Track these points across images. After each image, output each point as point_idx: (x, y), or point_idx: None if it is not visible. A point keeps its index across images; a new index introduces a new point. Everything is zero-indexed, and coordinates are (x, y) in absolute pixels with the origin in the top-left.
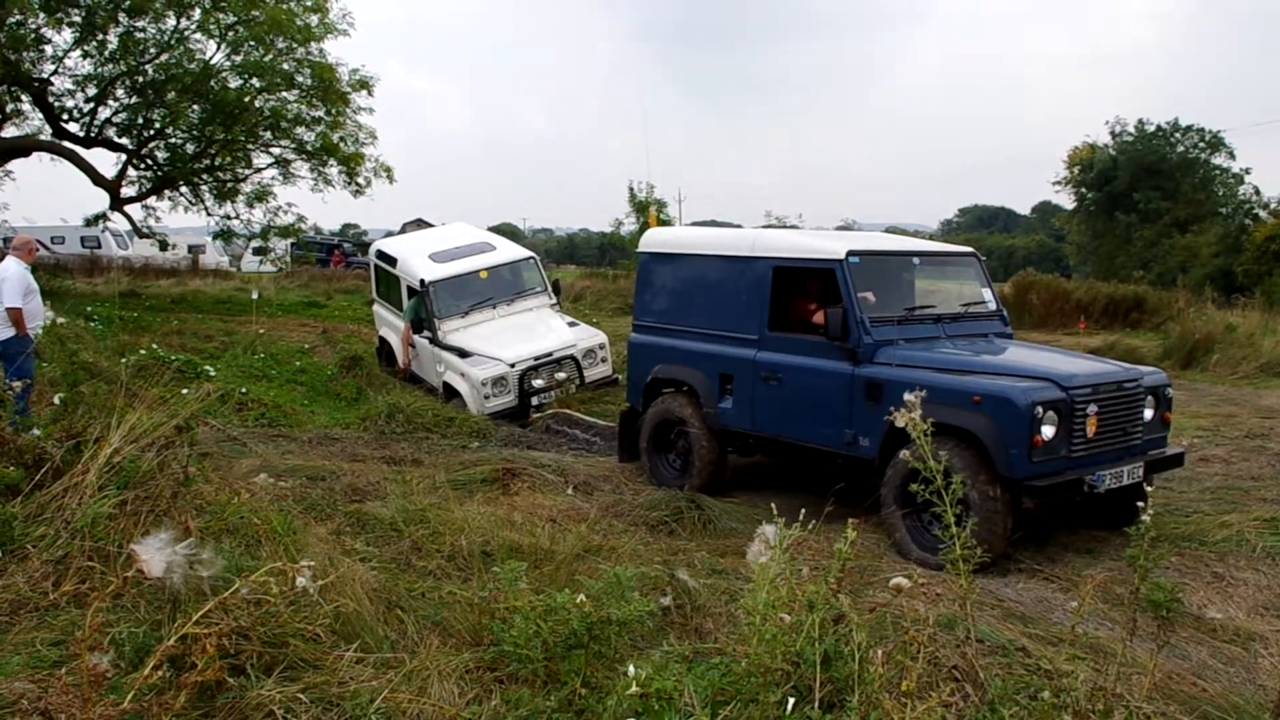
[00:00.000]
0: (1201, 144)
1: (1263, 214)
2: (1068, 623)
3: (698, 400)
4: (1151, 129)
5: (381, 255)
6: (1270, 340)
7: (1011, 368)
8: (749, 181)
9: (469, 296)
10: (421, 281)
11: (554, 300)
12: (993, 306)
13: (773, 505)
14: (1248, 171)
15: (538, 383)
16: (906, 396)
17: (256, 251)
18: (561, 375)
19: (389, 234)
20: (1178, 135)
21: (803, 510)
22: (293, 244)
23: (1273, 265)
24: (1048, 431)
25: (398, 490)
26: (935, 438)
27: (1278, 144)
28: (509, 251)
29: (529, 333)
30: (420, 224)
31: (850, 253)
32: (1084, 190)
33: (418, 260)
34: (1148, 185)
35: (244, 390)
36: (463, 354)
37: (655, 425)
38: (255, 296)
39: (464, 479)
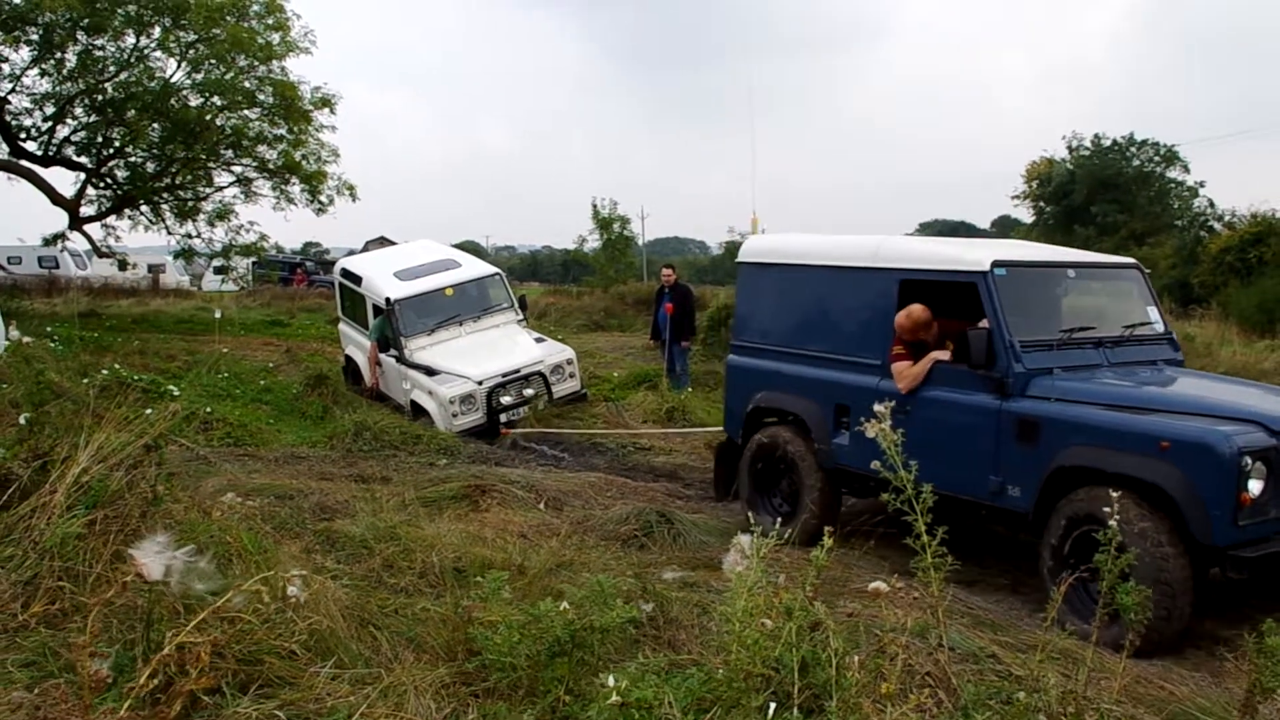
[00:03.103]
0: (1156, 158)
1: (1217, 226)
2: (1036, 631)
3: (808, 433)
4: (1108, 143)
5: (346, 274)
6: (1227, 350)
7: (1204, 405)
8: (711, 197)
9: (435, 314)
10: (387, 300)
11: (520, 316)
12: (1160, 328)
13: (749, 515)
14: (1202, 184)
15: (506, 400)
16: (876, 407)
17: (218, 271)
18: (530, 392)
19: (351, 252)
20: (1133, 150)
21: (777, 520)
22: (254, 263)
23: (1228, 276)
24: (1255, 487)
25: (367, 508)
26: (1105, 489)
27: (1230, 158)
28: (474, 268)
29: (496, 350)
30: (383, 242)
31: (996, 263)
32: (1042, 204)
33: (383, 278)
34: (1105, 199)
35: (209, 410)
36: (430, 372)
37: (756, 461)
38: (218, 316)
39: (433, 496)
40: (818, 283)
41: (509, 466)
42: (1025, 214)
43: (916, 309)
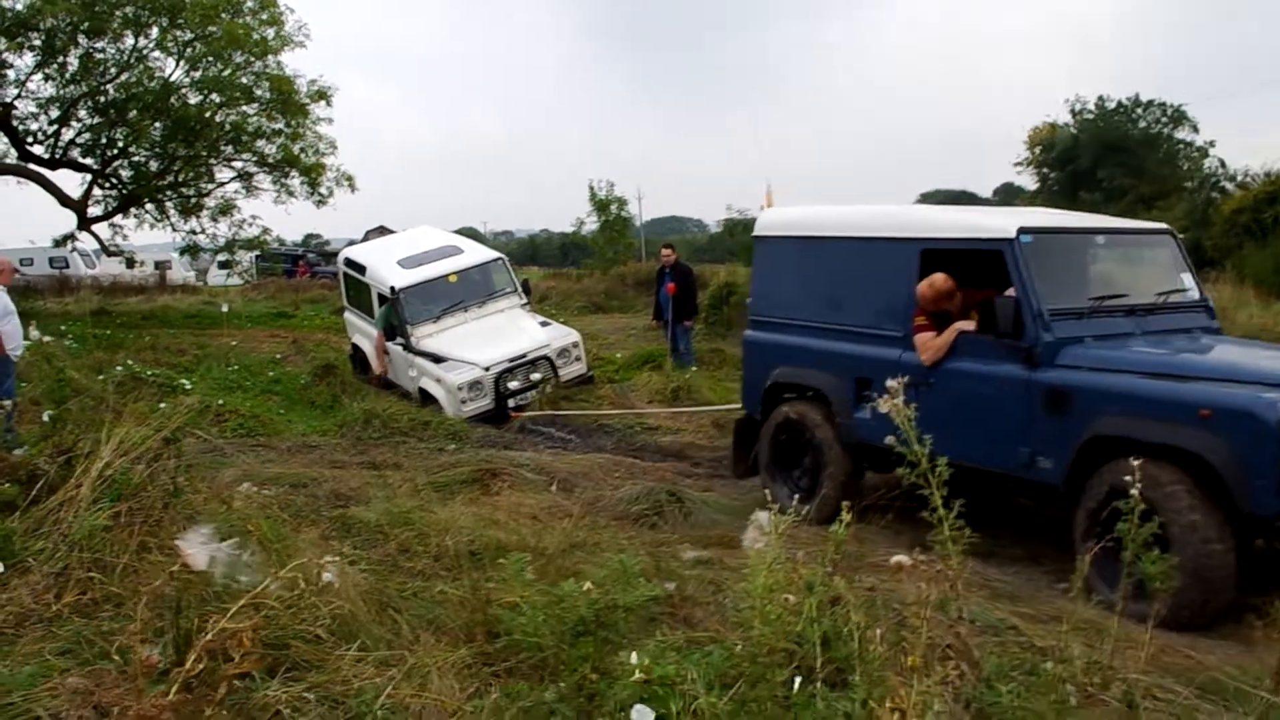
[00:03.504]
0: (1164, 119)
1: (1229, 186)
2: (1056, 603)
3: (829, 408)
4: (1112, 106)
5: (350, 263)
6: (1244, 313)
7: (1244, 372)
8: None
9: (440, 301)
10: (392, 288)
11: (525, 301)
12: (1195, 295)
13: (767, 493)
14: (1212, 144)
15: (513, 384)
16: (889, 382)
17: (222, 265)
18: (537, 376)
19: (352, 243)
20: (1139, 111)
21: (795, 497)
22: (257, 256)
23: (1242, 238)
24: None
25: (380, 494)
26: (1143, 461)
27: (1238, 116)
28: (477, 254)
29: (502, 335)
30: (383, 231)
31: (1022, 230)
32: (1046, 170)
33: (386, 267)
34: (1111, 163)
35: (221, 402)
36: (437, 359)
37: (776, 437)
38: (224, 310)
39: (445, 481)
40: (836, 254)
41: (518, 450)
42: (1029, 181)
43: (939, 278)
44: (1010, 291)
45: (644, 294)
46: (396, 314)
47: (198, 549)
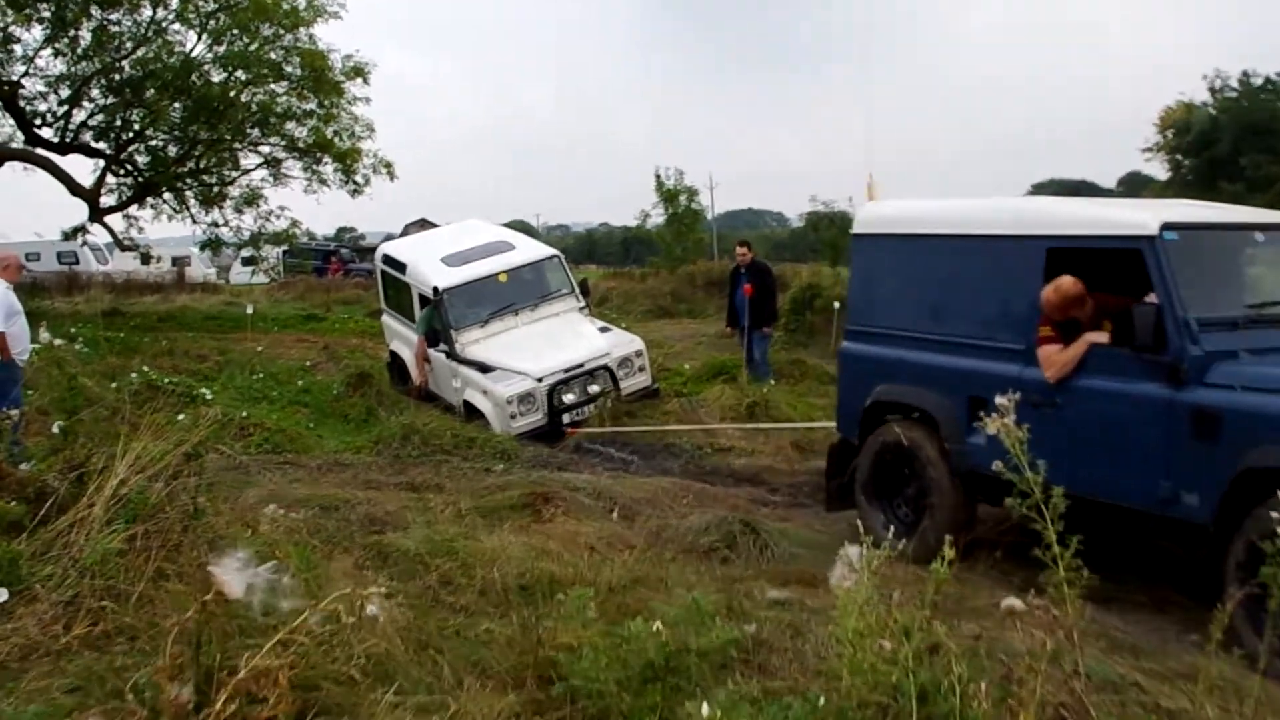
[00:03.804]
0: None
1: None
2: (1187, 657)
3: (937, 431)
4: (1258, 82)
5: (389, 260)
6: None
7: None
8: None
9: (488, 303)
10: (435, 289)
11: (583, 303)
12: None
13: (860, 525)
14: None
15: (569, 398)
16: (999, 399)
17: (246, 262)
18: (595, 388)
19: (389, 237)
20: None
21: (890, 528)
22: (285, 252)
23: None
24: None
25: (420, 519)
26: None
27: None
28: (530, 250)
29: (557, 342)
30: (424, 224)
31: (1166, 225)
32: (1179, 157)
33: (429, 265)
34: (1256, 148)
35: (245, 414)
36: (484, 369)
37: (876, 463)
38: (249, 311)
39: (491, 505)
40: (948, 255)
41: (573, 471)
42: (1159, 169)
43: (1067, 282)
44: (1151, 297)
45: (716, 296)
46: (440, 317)
47: (233, 575)
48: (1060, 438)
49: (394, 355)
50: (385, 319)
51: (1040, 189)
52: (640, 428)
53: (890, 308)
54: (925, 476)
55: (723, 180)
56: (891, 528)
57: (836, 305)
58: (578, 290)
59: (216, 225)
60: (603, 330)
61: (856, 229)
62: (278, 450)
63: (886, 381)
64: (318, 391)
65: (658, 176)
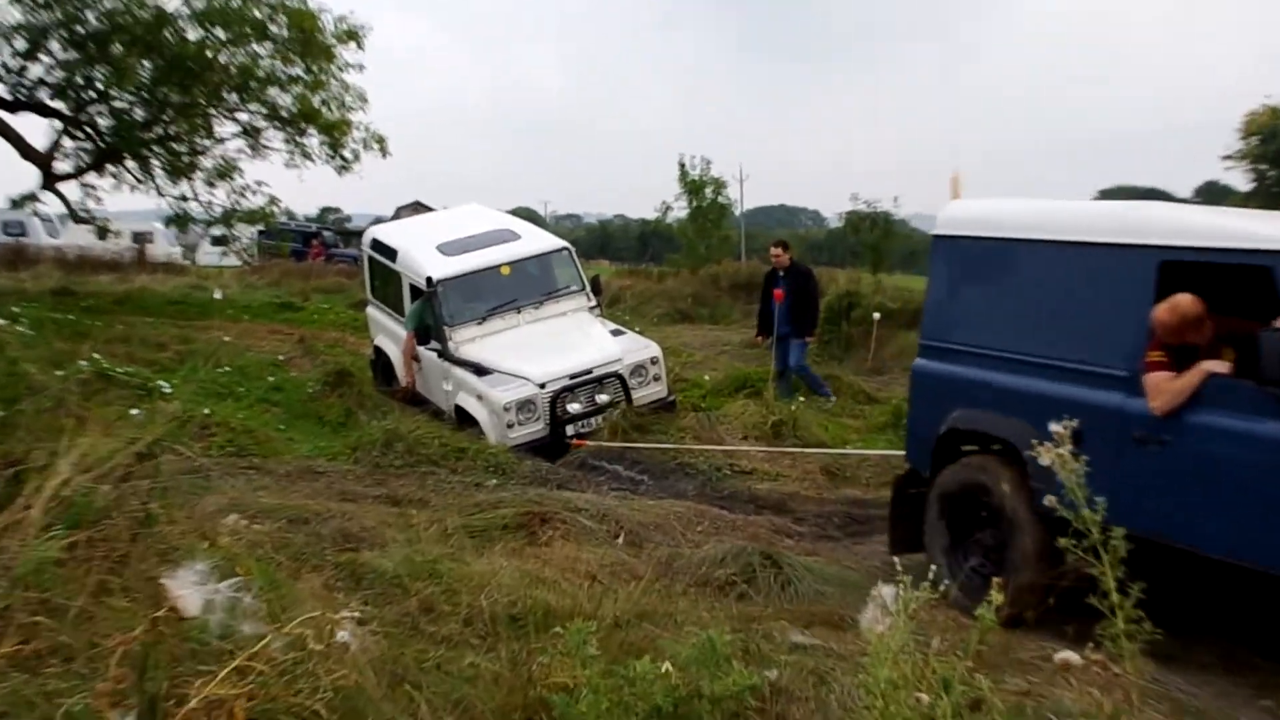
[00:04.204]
0: None
1: None
2: None
3: (1022, 467)
4: None
5: (377, 245)
6: None
7: None
8: (827, 155)
9: (487, 298)
10: (428, 279)
11: (594, 302)
12: None
13: (895, 561)
14: None
15: (574, 407)
16: (1053, 426)
17: (216, 241)
18: (604, 398)
19: (378, 220)
20: None
21: (931, 567)
22: (261, 232)
23: None
24: None
25: (400, 537)
26: None
27: None
28: (537, 241)
29: (563, 344)
30: (418, 208)
31: None
32: (1264, 167)
33: (423, 252)
34: None
35: (207, 411)
36: (480, 371)
37: (950, 502)
38: (217, 297)
39: (482, 525)
40: (1043, 263)
41: (575, 490)
42: (1240, 180)
43: (1185, 301)
44: None
45: (742, 301)
46: (433, 311)
47: (190, 590)
48: (1164, 480)
49: (379, 352)
50: (371, 311)
51: (1107, 195)
52: (652, 445)
53: (972, 321)
54: (1006, 519)
55: (754, 173)
56: (963, 578)
57: (876, 316)
58: (589, 288)
59: (185, 199)
60: (615, 334)
61: (939, 229)
62: (243, 453)
63: (965, 406)
64: (290, 389)
65: (682, 165)
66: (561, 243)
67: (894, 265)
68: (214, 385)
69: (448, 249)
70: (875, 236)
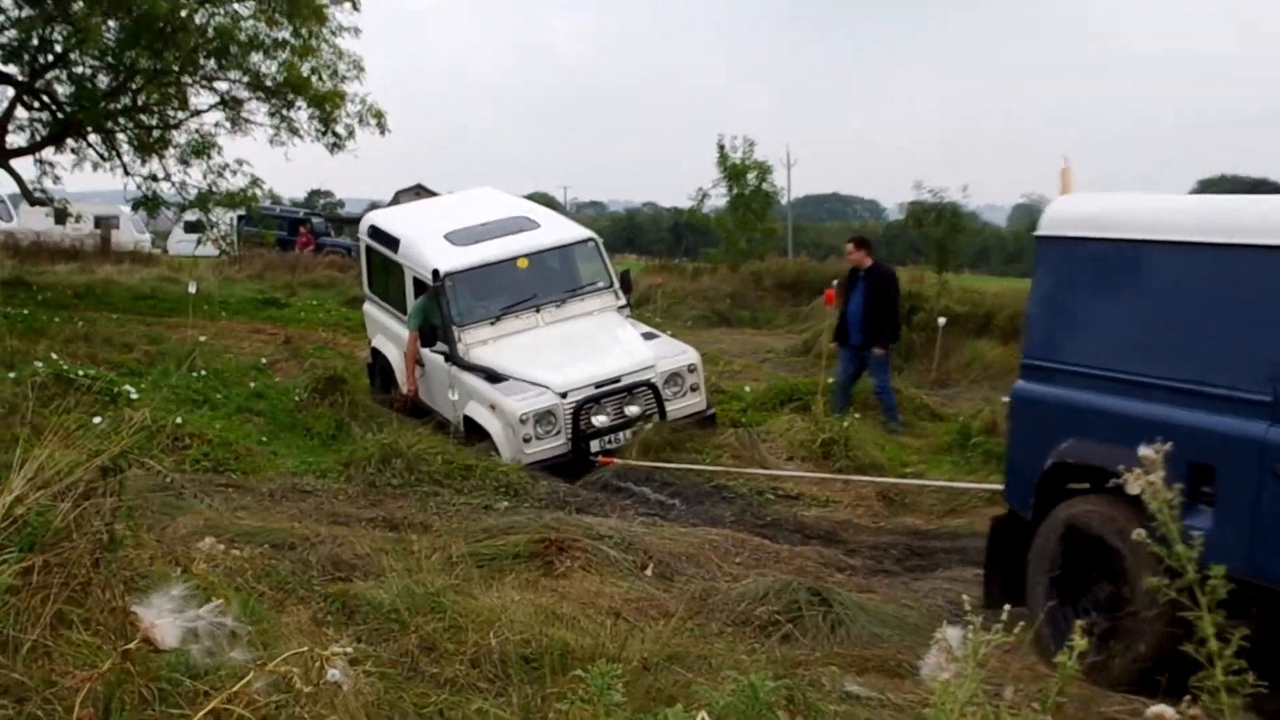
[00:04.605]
0: None
1: None
2: None
3: (1144, 509)
4: None
5: (377, 233)
6: None
7: None
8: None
9: (502, 295)
10: (435, 273)
11: (623, 301)
12: None
13: (964, 597)
14: None
15: (600, 420)
16: (1142, 450)
17: (190, 227)
18: (634, 410)
19: (374, 206)
20: None
21: (1006, 608)
22: (241, 218)
23: None
24: None
25: (398, 566)
26: None
27: None
28: (559, 230)
29: (588, 348)
30: (420, 192)
31: None
32: None
33: (429, 241)
34: None
35: (180, 421)
36: (493, 377)
37: (1058, 550)
38: (192, 291)
39: (490, 553)
40: (1172, 269)
41: (597, 514)
42: None
43: None
44: None
45: (787, 302)
46: (440, 309)
47: (167, 619)
48: None
49: (376, 354)
50: (368, 308)
51: (1209, 185)
52: (688, 465)
53: (1085, 337)
54: (1126, 570)
55: (803, 156)
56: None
57: (941, 321)
58: (618, 285)
59: (155, 179)
60: (647, 337)
61: (1045, 229)
62: (220, 469)
63: (1075, 437)
64: (274, 397)
65: (721, 147)
66: (587, 233)
67: (961, 264)
68: (187, 391)
69: (457, 238)
70: (941, 231)
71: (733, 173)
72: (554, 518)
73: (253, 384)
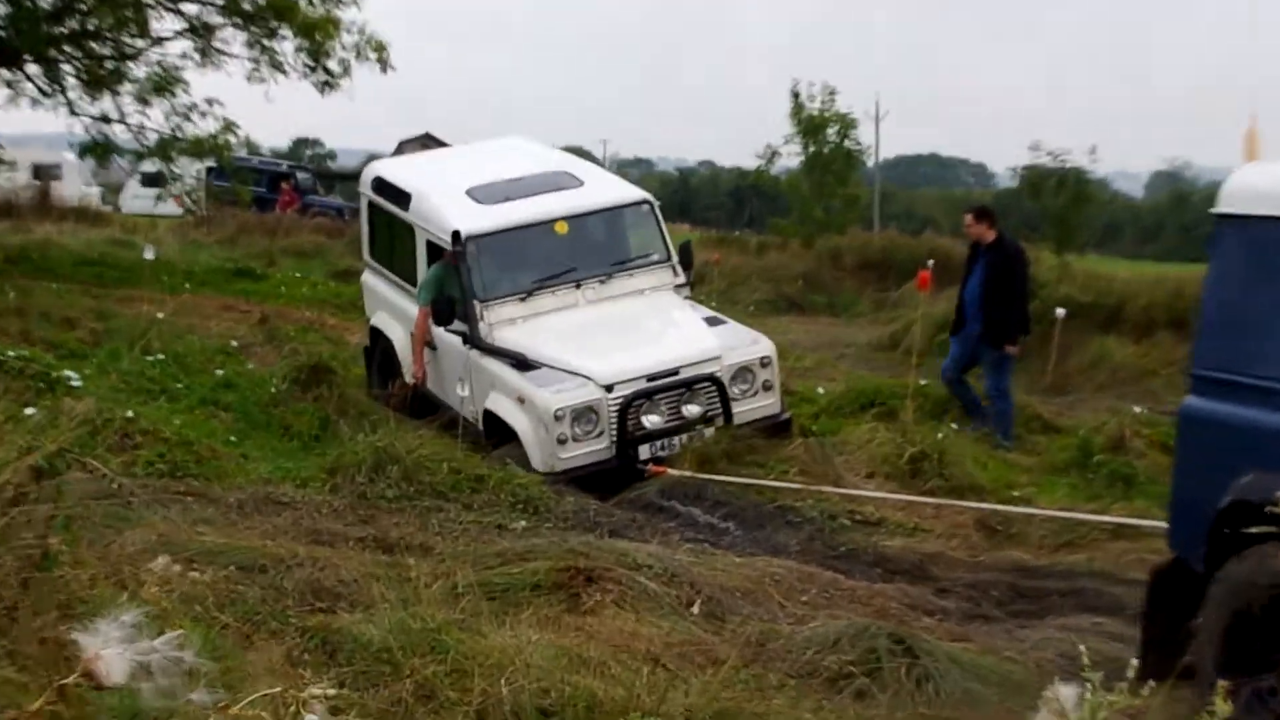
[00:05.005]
0: None
1: None
2: None
3: None
4: None
5: (383, 188)
6: None
7: None
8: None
9: (535, 265)
10: (455, 235)
11: (682, 279)
12: None
13: (1080, 647)
14: None
15: (652, 420)
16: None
17: (149, 180)
18: (694, 409)
19: (372, 159)
20: None
21: (1133, 662)
22: (211, 170)
23: None
24: None
25: (392, 595)
26: None
27: None
28: (606, 190)
29: (639, 334)
30: (429, 143)
31: None
32: None
33: (449, 198)
34: None
35: (131, 414)
36: (522, 364)
37: (1239, 613)
38: (149, 257)
39: (504, 582)
40: None
41: (634, 538)
42: None
43: None
44: None
45: (871, 286)
46: (459, 279)
47: (114, 650)
48: None
49: (376, 336)
50: (368, 279)
51: None
52: (753, 480)
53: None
54: None
55: (894, 109)
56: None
57: (1060, 313)
58: (676, 259)
59: (107, 120)
60: (711, 323)
61: (1225, 205)
62: (179, 473)
63: (1262, 468)
64: (246, 388)
65: (795, 95)
66: (641, 194)
67: (1086, 242)
68: (141, 379)
69: (482, 195)
70: (1063, 202)
71: (809, 127)
72: (582, 541)
73: (220, 371)
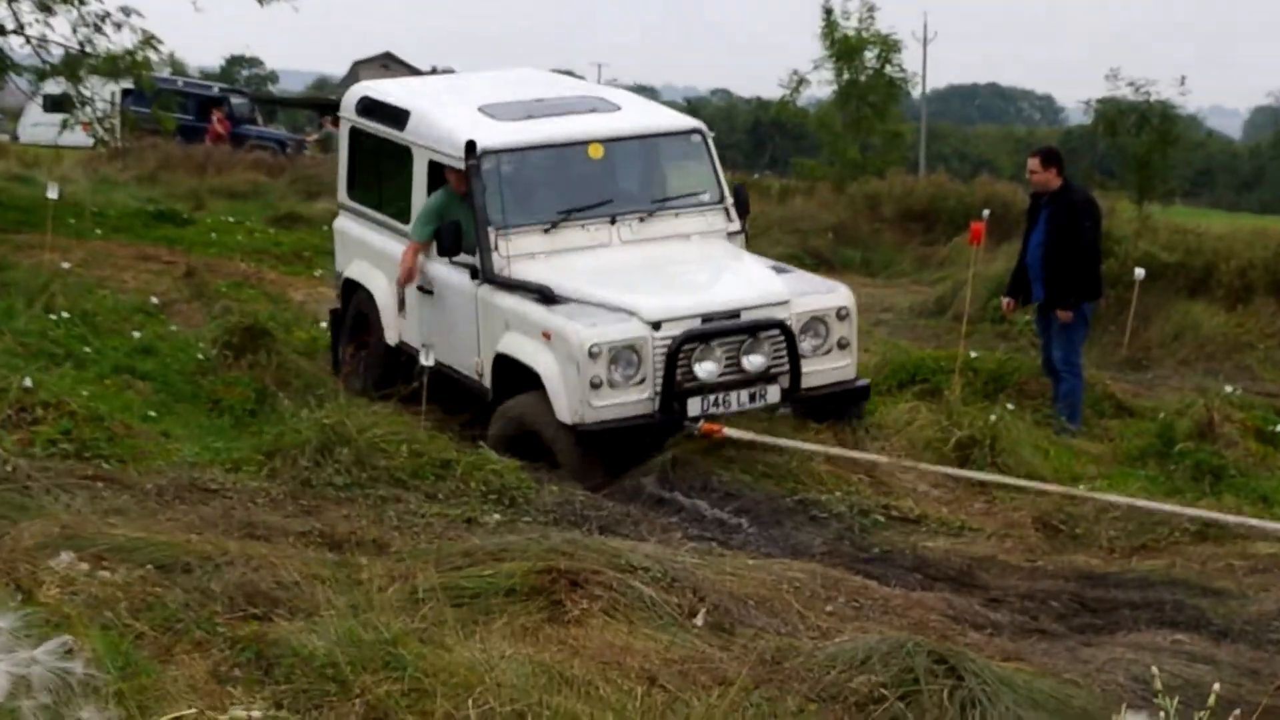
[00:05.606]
0: None
1: None
2: None
3: None
4: None
5: (371, 109)
6: None
7: None
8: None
9: (563, 192)
10: (470, 146)
11: (736, 225)
12: None
13: (1153, 669)
14: None
15: (705, 369)
16: None
17: (52, 105)
18: (756, 360)
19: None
20: None
21: (1216, 685)
22: (128, 93)
23: None
24: None
25: (339, 601)
26: None
27: None
28: (649, 115)
29: (689, 275)
30: (390, 65)
31: None
32: None
33: (458, 113)
34: None
35: (28, 384)
36: (548, 298)
37: None
38: (53, 196)
39: (473, 586)
40: None
41: (628, 536)
42: None
43: None
44: None
45: (915, 239)
46: (467, 208)
47: None
48: None
49: (351, 292)
50: (343, 224)
51: None
52: (816, 446)
53: None
54: None
55: (945, 30)
56: None
57: (1139, 274)
58: (731, 200)
59: (1, 31)
60: (777, 270)
61: None
62: (87, 454)
63: None
64: (168, 354)
65: (829, 13)
66: (692, 122)
67: (1172, 190)
68: (41, 341)
69: (499, 112)
70: (1145, 142)
71: (844, 50)
72: (566, 539)
73: (137, 334)
